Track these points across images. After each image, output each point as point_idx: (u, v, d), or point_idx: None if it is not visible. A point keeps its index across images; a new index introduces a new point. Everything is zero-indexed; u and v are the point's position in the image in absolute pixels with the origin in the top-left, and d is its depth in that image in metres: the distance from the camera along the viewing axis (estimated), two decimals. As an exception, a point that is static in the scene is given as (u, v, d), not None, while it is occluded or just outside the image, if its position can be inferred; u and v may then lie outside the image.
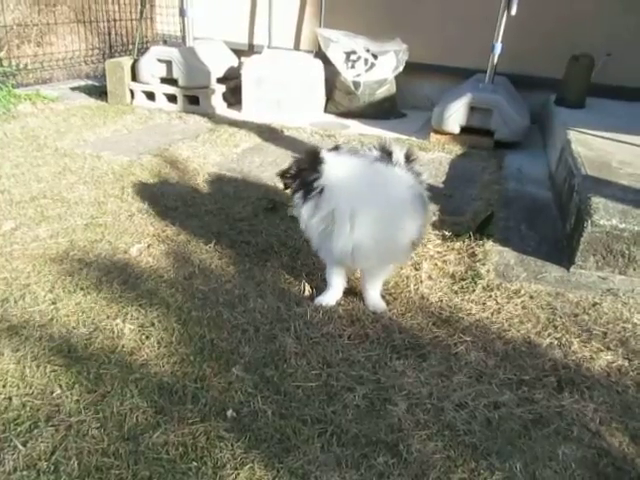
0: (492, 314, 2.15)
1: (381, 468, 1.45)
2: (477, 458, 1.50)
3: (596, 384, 1.79)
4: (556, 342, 1.99)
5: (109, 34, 6.79)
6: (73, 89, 5.55)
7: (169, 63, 4.90)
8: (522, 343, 1.98)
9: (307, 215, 1.94)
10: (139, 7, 5.69)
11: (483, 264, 2.48)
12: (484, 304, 2.21)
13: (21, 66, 5.57)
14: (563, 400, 1.71)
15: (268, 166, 3.64)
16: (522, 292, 2.29)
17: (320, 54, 5.18)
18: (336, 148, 2.04)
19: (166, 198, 3.01)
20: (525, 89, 4.81)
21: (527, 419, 1.63)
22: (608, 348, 1.97)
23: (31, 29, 6.63)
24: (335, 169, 1.91)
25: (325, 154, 1.93)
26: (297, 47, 5.71)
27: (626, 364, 1.89)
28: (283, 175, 1.98)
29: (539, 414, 1.65)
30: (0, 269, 2.25)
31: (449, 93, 4.50)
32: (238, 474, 1.41)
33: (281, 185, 2.04)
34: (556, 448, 1.54)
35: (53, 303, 2.05)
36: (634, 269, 2.37)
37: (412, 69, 5.01)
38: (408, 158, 2.14)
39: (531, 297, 2.26)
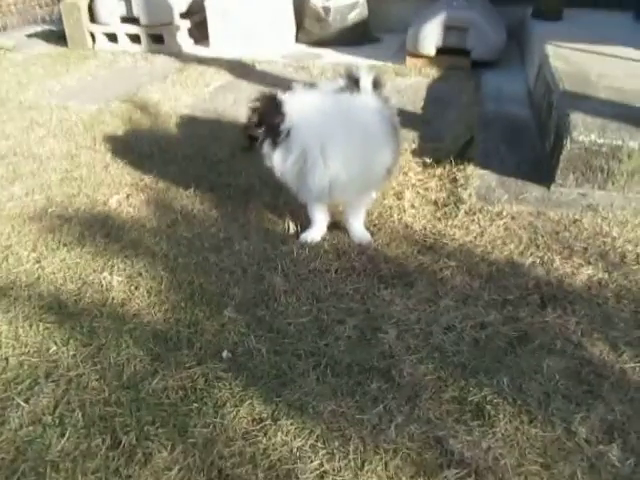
0: (475, 238, 2.18)
1: (375, 393, 1.51)
2: (466, 377, 1.56)
3: (578, 298, 1.85)
4: (538, 260, 2.04)
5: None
6: (29, 36, 5.27)
7: (128, 0, 4.64)
8: (505, 264, 2.03)
9: (280, 160, 1.92)
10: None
11: (465, 189, 2.48)
12: (467, 228, 2.24)
13: (-29, 14, 5.25)
14: (546, 316, 1.77)
15: (242, 103, 3.53)
16: (504, 214, 2.31)
17: (286, -20, 4.93)
18: (290, 88, 1.98)
19: (140, 145, 2.94)
20: (501, 3, 4.64)
21: (512, 337, 1.70)
22: (589, 263, 2.02)
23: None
24: (297, 108, 1.88)
25: (283, 96, 1.89)
26: (262, -26, 5.41)
27: (606, 277, 1.95)
28: (247, 128, 1.93)
29: (524, 331, 1.72)
30: (-22, 231, 2.22)
31: (423, 13, 4.34)
32: (238, 411, 1.47)
33: (247, 140, 1.98)
34: (541, 362, 1.61)
35: (37, 262, 2.04)
36: (613, 183, 2.39)
37: (383, -11, 4.80)
38: (376, 84, 2.09)
39: (513, 218, 2.29)
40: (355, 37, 4.84)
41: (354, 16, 4.79)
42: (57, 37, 5.07)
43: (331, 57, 4.60)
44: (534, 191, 2.47)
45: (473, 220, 2.28)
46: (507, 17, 4.60)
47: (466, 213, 2.32)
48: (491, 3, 4.59)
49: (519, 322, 1.75)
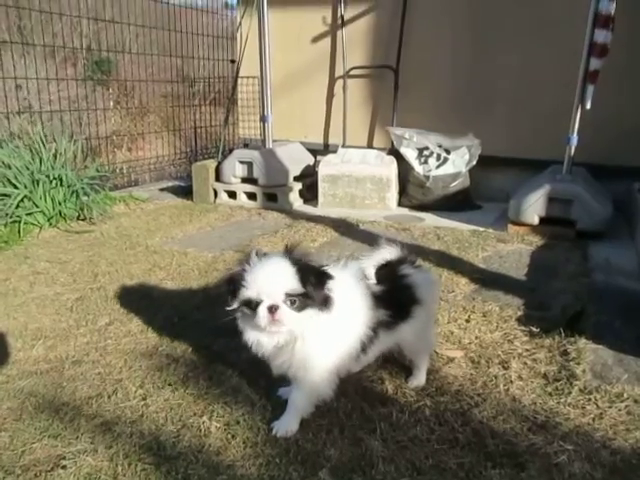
0: (593, 420, 1.99)
1: None
2: None
3: None
4: (672, 454, 1.80)
5: (195, 139, 7.42)
6: (162, 190, 6.00)
7: (250, 164, 5.24)
8: (632, 454, 1.81)
9: None
10: (224, 115, 6.20)
11: (577, 363, 2.33)
12: (583, 408, 2.06)
13: (117, 171, 6.13)
14: (689, 525, 1.52)
15: (345, 258, 3.68)
16: (625, 396, 2.12)
17: (393, 151, 5.37)
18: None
19: (248, 293, 3.10)
20: (604, 178, 4.71)
21: None
22: None
23: (125, 137, 7.37)
24: None
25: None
26: (370, 145, 5.95)
27: None
28: None
29: (662, 540, 1.47)
30: (95, 364, 2.36)
31: (526, 185, 4.49)
32: None
33: None
34: None
35: (143, 399, 2.10)
36: None
37: (486, 162, 5.07)
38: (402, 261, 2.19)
39: (636, 401, 2.08)
40: (456, 203, 5.04)
41: (456, 185, 5.04)
42: (185, 192, 5.74)
43: (432, 220, 4.78)
44: (658, 373, 2.27)
45: (589, 400, 2.10)
46: (611, 190, 4.63)
47: (581, 391, 2.15)
48: (594, 177, 4.67)
49: (655, 528, 1.51)
